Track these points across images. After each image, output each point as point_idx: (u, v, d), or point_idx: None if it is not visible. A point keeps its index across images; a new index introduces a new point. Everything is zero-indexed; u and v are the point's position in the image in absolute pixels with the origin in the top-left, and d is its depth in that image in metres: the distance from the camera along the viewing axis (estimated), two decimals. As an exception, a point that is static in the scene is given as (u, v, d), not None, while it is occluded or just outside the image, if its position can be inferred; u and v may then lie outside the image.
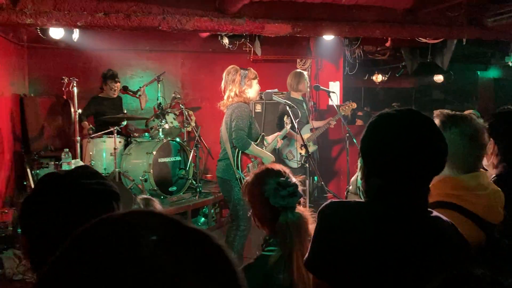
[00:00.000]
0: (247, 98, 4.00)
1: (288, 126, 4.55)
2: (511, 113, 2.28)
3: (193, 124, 6.11)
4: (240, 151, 3.93)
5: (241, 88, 3.96)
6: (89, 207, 1.09)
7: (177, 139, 5.74)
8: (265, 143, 4.27)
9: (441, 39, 6.00)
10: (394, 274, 1.25)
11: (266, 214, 1.80)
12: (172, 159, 5.54)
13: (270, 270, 1.70)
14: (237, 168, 3.90)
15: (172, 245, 0.52)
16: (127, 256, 0.49)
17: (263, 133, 4.28)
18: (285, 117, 4.61)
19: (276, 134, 4.51)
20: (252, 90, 4.05)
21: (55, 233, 1.03)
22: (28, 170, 4.88)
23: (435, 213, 1.38)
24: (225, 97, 4.03)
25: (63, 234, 1.05)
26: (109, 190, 1.14)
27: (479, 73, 9.99)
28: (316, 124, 5.75)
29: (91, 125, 5.71)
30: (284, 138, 5.43)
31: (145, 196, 1.93)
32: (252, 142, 3.95)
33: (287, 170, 1.87)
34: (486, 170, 2.09)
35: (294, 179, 1.83)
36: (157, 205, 1.94)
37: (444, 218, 1.39)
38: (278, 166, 1.89)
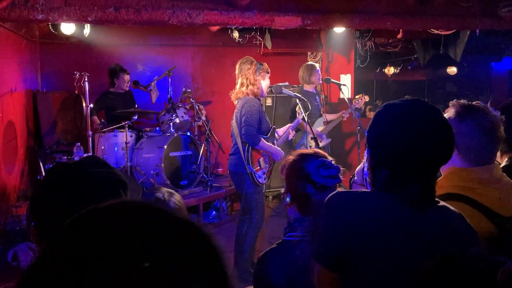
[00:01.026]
0: (259, 88, 3.97)
1: (300, 117, 4.51)
2: (507, 107, 2.21)
3: (203, 118, 6.12)
4: (250, 146, 3.93)
5: (255, 77, 3.93)
6: (97, 195, 1.10)
7: (188, 133, 5.76)
8: (276, 135, 4.26)
9: (454, 31, 5.91)
10: (402, 263, 1.25)
11: (302, 190, 1.80)
12: (183, 153, 5.57)
13: (292, 251, 1.70)
14: (248, 163, 3.89)
15: (156, 236, 0.53)
16: (113, 247, 0.50)
17: (274, 126, 4.27)
18: (297, 107, 4.58)
19: (288, 125, 4.48)
20: (264, 83, 4.03)
21: (64, 221, 1.05)
22: (41, 165, 4.94)
23: (442, 203, 1.37)
24: (238, 86, 4.01)
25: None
26: (117, 179, 1.16)
27: (493, 65, 9.85)
28: (329, 117, 5.73)
29: (102, 119, 5.76)
30: (298, 130, 5.42)
31: (169, 190, 1.97)
32: (262, 138, 3.93)
33: (332, 159, 1.90)
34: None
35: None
36: (176, 198, 1.96)
37: (452, 208, 1.38)
38: (324, 152, 1.92)
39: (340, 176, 1.81)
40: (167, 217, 0.56)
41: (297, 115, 4.55)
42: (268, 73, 4.05)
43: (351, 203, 1.34)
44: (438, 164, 1.34)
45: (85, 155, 4.58)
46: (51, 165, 5.08)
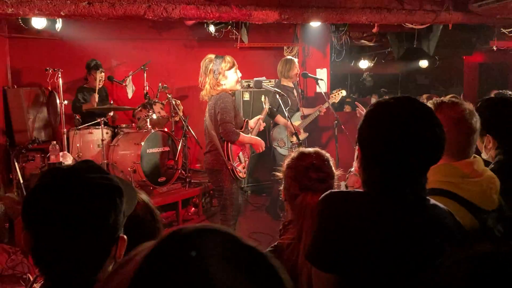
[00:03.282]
0: (226, 85, 3.87)
1: (266, 106, 4.49)
2: (497, 103, 2.24)
3: (180, 113, 6.05)
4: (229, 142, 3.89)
5: (215, 81, 3.83)
6: (93, 202, 1.08)
7: (165, 129, 5.69)
8: (248, 128, 4.24)
9: (428, 25, 6.01)
10: (395, 263, 1.25)
11: (290, 188, 1.80)
12: (161, 149, 5.49)
13: (285, 255, 1.70)
14: (228, 159, 3.86)
15: (235, 265, 0.56)
16: (197, 276, 0.53)
17: (246, 119, 4.24)
18: (263, 97, 4.56)
19: (257, 117, 4.43)
20: (229, 80, 3.89)
21: (59, 228, 1.04)
22: (16, 164, 4.80)
23: (432, 201, 1.38)
24: (207, 86, 3.89)
25: (67, 229, 1.04)
26: (112, 185, 1.13)
27: (464, 58, 10.07)
28: (307, 111, 5.74)
29: (77, 117, 5.64)
30: (275, 125, 5.41)
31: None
32: (241, 133, 3.90)
33: (332, 161, 1.87)
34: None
35: (334, 170, 1.83)
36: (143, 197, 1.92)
37: (441, 205, 1.39)
38: (327, 154, 1.89)
39: (332, 182, 1.80)
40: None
41: (263, 105, 4.52)
42: (232, 67, 3.90)
43: (344, 204, 1.34)
44: (429, 162, 1.33)
45: (61, 153, 4.47)
46: (24, 164, 4.96)
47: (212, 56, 3.92)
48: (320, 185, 1.75)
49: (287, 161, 1.88)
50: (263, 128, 4.50)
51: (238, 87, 4.11)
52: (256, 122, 4.36)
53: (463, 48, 7.86)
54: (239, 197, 4.09)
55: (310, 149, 1.88)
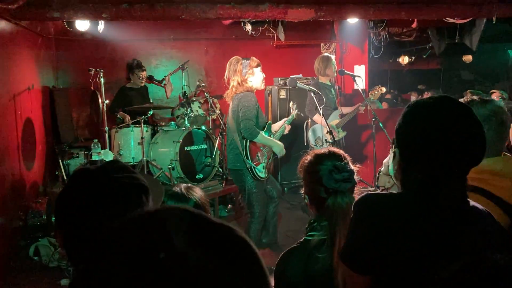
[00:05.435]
0: (250, 87, 4.01)
1: (294, 112, 4.49)
2: None
3: (218, 112, 6.14)
4: (248, 141, 3.96)
5: (243, 77, 3.98)
6: (119, 201, 1.12)
7: (203, 127, 5.79)
8: (272, 130, 4.27)
9: (470, 19, 5.82)
10: (431, 269, 1.23)
11: (316, 193, 1.80)
12: (198, 147, 5.59)
13: (311, 251, 1.71)
14: (247, 157, 3.94)
15: (201, 241, 0.54)
16: (160, 252, 0.52)
17: (269, 121, 4.29)
18: (291, 103, 4.58)
19: (283, 120, 4.46)
20: (255, 79, 4.04)
21: (88, 227, 1.08)
22: (60, 160, 5.02)
23: (472, 202, 1.33)
24: (230, 87, 4.08)
25: (96, 227, 1.09)
26: (138, 184, 1.17)
27: (510, 53, 9.70)
28: (345, 110, 5.68)
29: (118, 115, 5.81)
30: (313, 124, 5.40)
31: (187, 184, 2.07)
32: (260, 131, 3.97)
33: (348, 157, 1.86)
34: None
35: (352, 167, 1.83)
36: (198, 192, 2.03)
37: (480, 207, 1.35)
38: (341, 151, 1.88)
39: (356, 178, 1.80)
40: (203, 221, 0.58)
41: (291, 110, 4.53)
42: (258, 66, 4.06)
43: (380, 206, 1.31)
44: (471, 163, 1.27)
45: (102, 151, 4.64)
46: (69, 161, 5.17)
47: (239, 57, 4.10)
48: (346, 184, 1.75)
49: (305, 166, 1.85)
50: (288, 132, 4.49)
51: (263, 86, 4.21)
52: (280, 125, 4.38)
53: (509, 42, 7.57)
54: (263, 195, 4.14)
55: (325, 150, 1.86)
